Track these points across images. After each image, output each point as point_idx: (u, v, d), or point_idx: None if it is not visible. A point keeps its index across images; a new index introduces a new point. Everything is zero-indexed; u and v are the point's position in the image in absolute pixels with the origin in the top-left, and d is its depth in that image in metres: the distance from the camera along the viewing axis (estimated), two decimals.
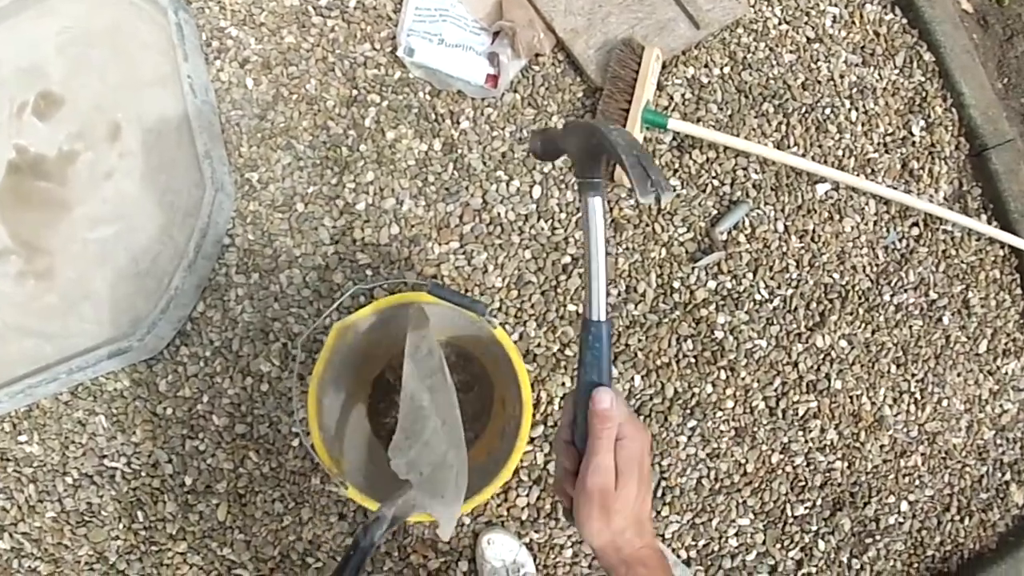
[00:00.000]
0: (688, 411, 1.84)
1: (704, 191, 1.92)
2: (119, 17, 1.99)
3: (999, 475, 1.92)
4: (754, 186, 1.93)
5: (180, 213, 1.86)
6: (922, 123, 2.02)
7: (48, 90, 1.97)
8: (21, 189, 1.92)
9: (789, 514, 1.84)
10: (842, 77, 2.02)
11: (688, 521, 1.81)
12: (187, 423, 1.81)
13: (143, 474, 1.81)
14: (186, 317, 1.84)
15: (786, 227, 1.93)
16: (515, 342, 1.82)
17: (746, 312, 1.88)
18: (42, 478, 1.82)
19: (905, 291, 1.94)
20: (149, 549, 1.79)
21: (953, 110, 2.04)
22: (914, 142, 2.01)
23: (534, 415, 1.80)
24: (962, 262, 1.97)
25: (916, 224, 1.97)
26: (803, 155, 1.96)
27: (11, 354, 1.85)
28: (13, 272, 1.89)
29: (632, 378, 1.83)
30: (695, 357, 1.86)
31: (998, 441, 1.93)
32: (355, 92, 1.94)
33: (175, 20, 1.91)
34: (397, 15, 1.98)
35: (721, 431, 1.84)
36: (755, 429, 1.85)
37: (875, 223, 1.96)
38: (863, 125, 2.00)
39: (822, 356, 1.89)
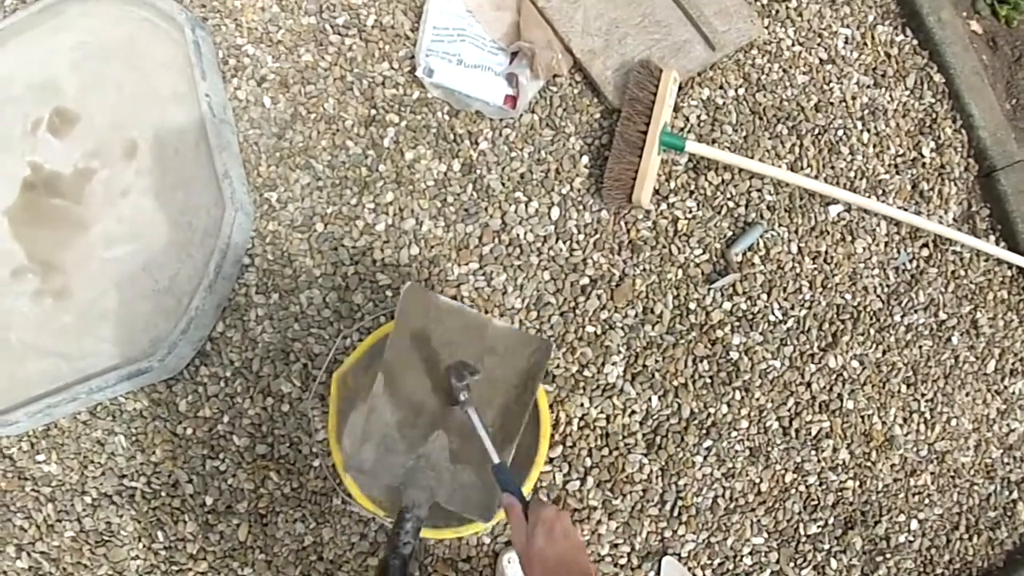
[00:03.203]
0: (704, 431, 1.86)
1: (719, 213, 1.94)
2: (135, 33, 1.98)
3: (1007, 493, 1.95)
4: (768, 208, 1.95)
5: (199, 233, 1.86)
6: (932, 144, 2.05)
7: (63, 107, 1.96)
8: (36, 207, 1.91)
9: (802, 533, 1.86)
10: (854, 98, 2.04)
11: (704, 540, 1.83)
12: (207, 443, 1.82)
13: (163, 494, 1.81)
14: (206, 337, 1.84)
15: (799, 248, 1.95)
16: None
17: (760, 333, 1.90)
18: (60, 497, 1.82)
19: (915, 311, 1.96)
20: (169, 569, 1.79)
21: (962, 131, 2.07)
22: (924, 163, 2.04)
23: (553, 435, 1.81)
24: (971, 283, 2.00)
25: (926, 245, 1.99)
26: (816, 176, 1.98)
27: (29, 373, 1.84)
28: (30, 291, 1.88)
29: (649, 399, 1.85)
30: (711, 377, 1.88)
31: (1005, 460, 1.96)
32: (373, 112, 1.94)
33: (192, 38, 1.90)
34: (415, 34, 1.98)
35: (736, 451, 1.86)
36: (769, 449, 1.87)
37: (886, 244, 1.98)
38: (874, 146, 2.02)
39: (834, 376, 1.91)
